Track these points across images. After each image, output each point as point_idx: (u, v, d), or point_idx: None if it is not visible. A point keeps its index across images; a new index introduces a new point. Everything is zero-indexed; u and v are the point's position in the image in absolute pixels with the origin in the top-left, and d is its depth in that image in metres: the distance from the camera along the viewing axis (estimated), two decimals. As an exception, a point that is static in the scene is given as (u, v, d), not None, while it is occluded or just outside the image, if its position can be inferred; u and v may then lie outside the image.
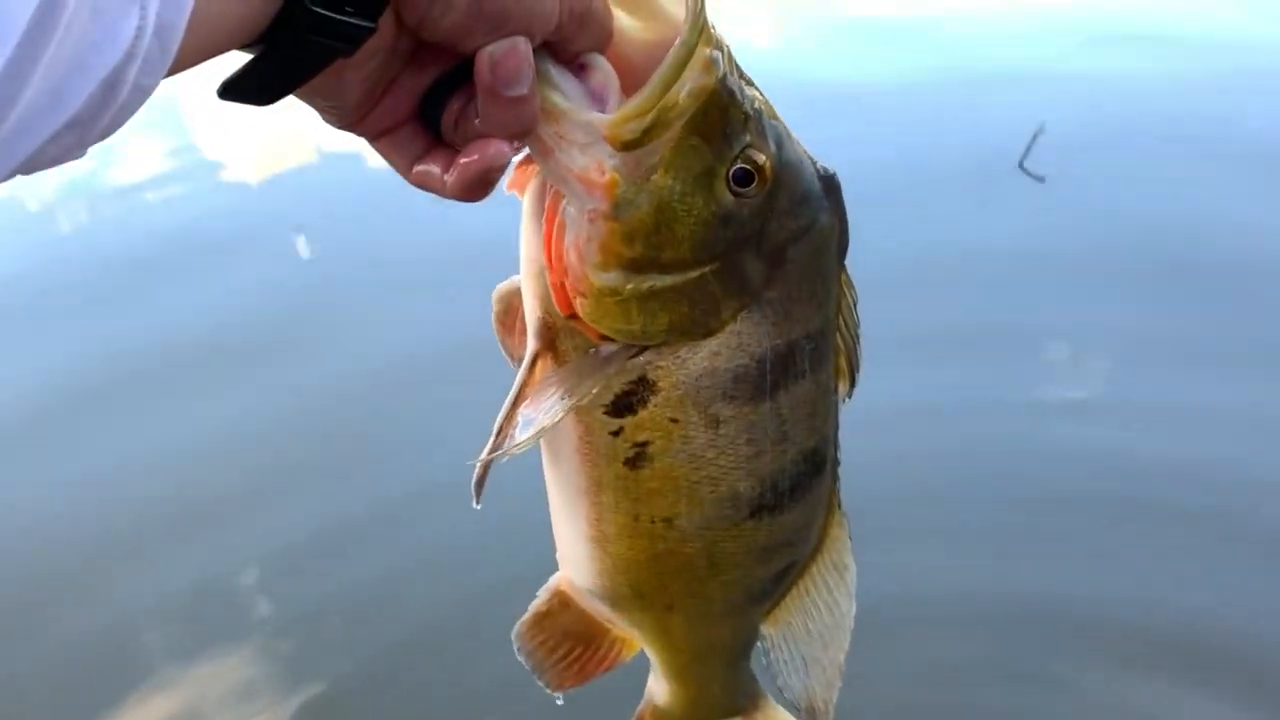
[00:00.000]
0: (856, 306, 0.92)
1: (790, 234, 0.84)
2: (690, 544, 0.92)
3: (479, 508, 0.89)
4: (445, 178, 0.77)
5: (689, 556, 0.93)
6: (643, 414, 0.86)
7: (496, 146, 0.75)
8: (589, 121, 0.78)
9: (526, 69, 0.73)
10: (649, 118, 0.77)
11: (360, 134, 0.78)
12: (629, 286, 0.81)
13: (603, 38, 0.79)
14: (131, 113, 0.60)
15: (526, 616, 1.03)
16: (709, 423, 0.86)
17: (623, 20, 0.80)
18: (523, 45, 0.73)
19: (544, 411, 0.83)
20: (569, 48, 0.78)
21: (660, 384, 0.85)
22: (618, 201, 0.79)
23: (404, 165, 0.79)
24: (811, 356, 0.88)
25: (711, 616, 1.00)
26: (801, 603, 1.02)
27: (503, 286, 0.93)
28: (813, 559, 1.01)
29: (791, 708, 1.06)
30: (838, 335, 0.92)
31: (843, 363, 0.92)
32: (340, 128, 0.77)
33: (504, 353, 0.94)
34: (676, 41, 0.78)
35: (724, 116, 0.80)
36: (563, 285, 0.83)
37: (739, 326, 0.84)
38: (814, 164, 0.87)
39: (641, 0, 0.81)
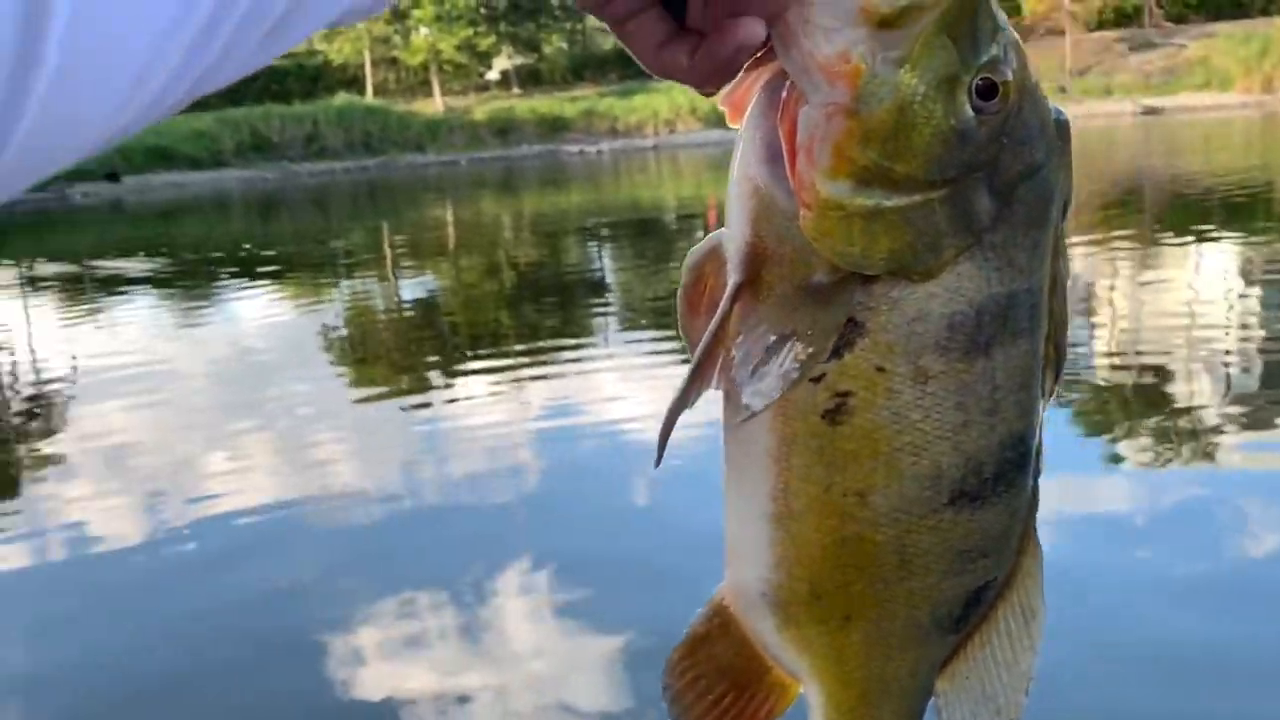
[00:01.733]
0: (1064, 281, 0.85)
1: (1022, 170, 0.80)
2: (882, 530, 0.84)
3: (659, 468, 0.85)
4: (691, 62, 0.77)
5: (879, 547, 0.84)
6: (848, 359, 0.80)
7: (750, 24, 0.74)
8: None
9: None
10: None
11: (603, 17, 0.78)
12: (856, 200, 0.77)
13: None
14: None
15: (682, 642, 0.91)
16: (917, 376, 0.80)
17: None
18: None
19: (773, 362, 0.79)
20: None
21: (869, 325, 0.79)
22: (861, 93, 0.76)
23: (648, 52, 0.78)
24: (1030, 316, 0.82)
25: (892, 639, 0.89)
26: (981, 656, 0.91)
27: (696, 252, 0.86)
28: (1001, 598, 0.90)
29: None
30: (1051, 310, 0.85)
31: (1049, 348, 0.85)
32: (586, 9, 0.78)
33: (683, 336, 0.86)
34: None
35: (975, 21, 0.77)
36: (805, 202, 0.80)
37: (959, 268, 0.79)
38: (1051, 101, 0.83)
39: None
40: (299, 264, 16.92)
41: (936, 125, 0.77)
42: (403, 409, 7.67)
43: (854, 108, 0.76)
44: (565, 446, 6.41)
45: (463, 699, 3.63)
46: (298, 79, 52.78)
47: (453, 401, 7.72)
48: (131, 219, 29.31)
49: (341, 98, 49.78)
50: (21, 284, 16.53)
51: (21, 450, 7.27)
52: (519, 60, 59.84)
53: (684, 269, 0.86)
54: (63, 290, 15.30)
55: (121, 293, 14.64)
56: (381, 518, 5.52)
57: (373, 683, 3.79)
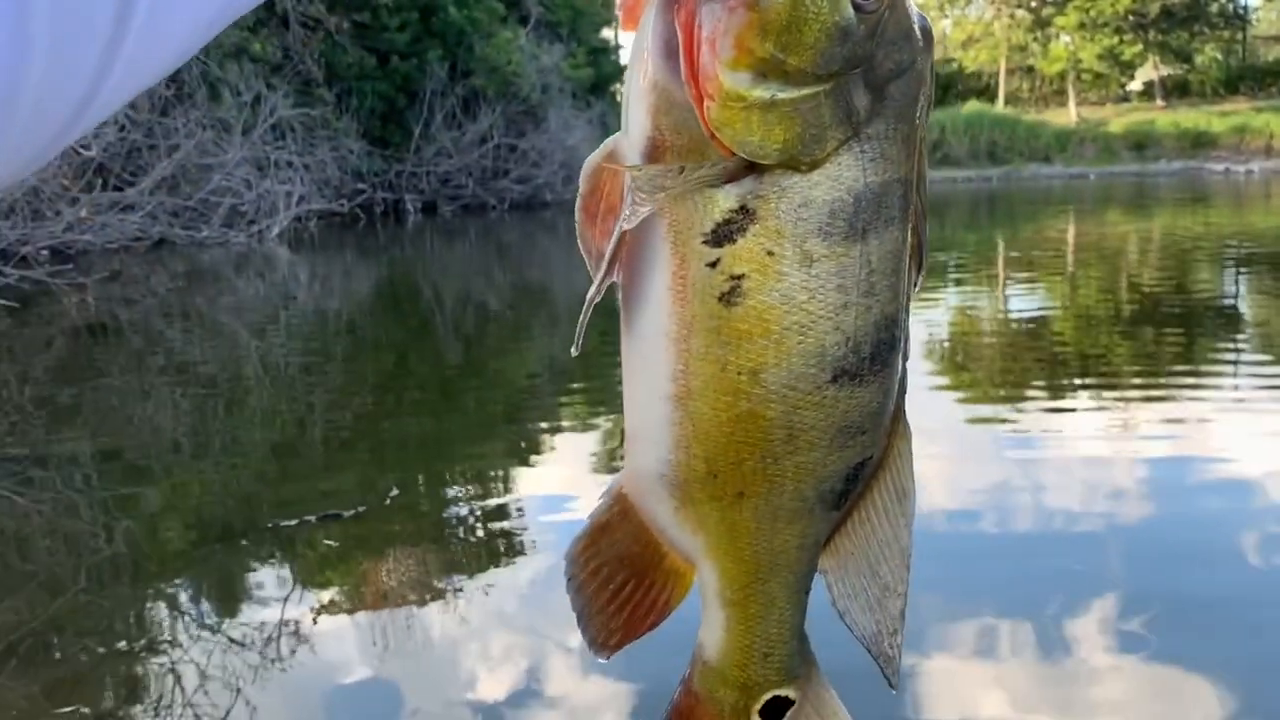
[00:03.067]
0: (925, 177, 0.92)
1: (894, 68, 0.87)
2: (772, 406, 0.90)
3: (576, 353, 0.92)
4: None
5: (769, 423, 0.90)
6: (741, 243, 0.86)
7: None
8: None
9: None
10: None
11: None
12: (755, 92, 0.84)
13: None
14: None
15: (584, 530, 0.97)
16: (803, 259, 0.87)
17: None
18: None
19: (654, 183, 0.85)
20: None
21: (760, 212, 0.86)
22: None
23: None
24: (900, 205, 0.89)
25: (781, 513, 0.95)
26: (862, 533, 0.98)
27: (591, 160, 0.91)
28: (875, 478, 0.97)
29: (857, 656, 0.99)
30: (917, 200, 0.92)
31: (914, 238, 0.92)
32: None
33: (581, 247, 0.91)
34: None
35: None
36: (699, 97, 0.85)
37: (840, 159, 0.86)
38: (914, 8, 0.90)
39: None
40: (911, 270, 17.05)
41: (825, 21, 0.84)
42: (999, 428, 7.51)
43: (755, 1, 0.83)
44: (1170, 483, 5.96)
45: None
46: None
47: (1052, 428, 7.43)
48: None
49: (971, 105, 49.59)
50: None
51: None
52: (1165, 71, 56.07)
53: (581, 177, 0.91)
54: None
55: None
56: (966, 540, 5.45)
57: (943, 705, 3.75)
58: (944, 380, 9.34)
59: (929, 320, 12.11)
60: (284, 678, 4.28)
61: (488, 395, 8.09)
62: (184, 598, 5.32)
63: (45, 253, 14.81)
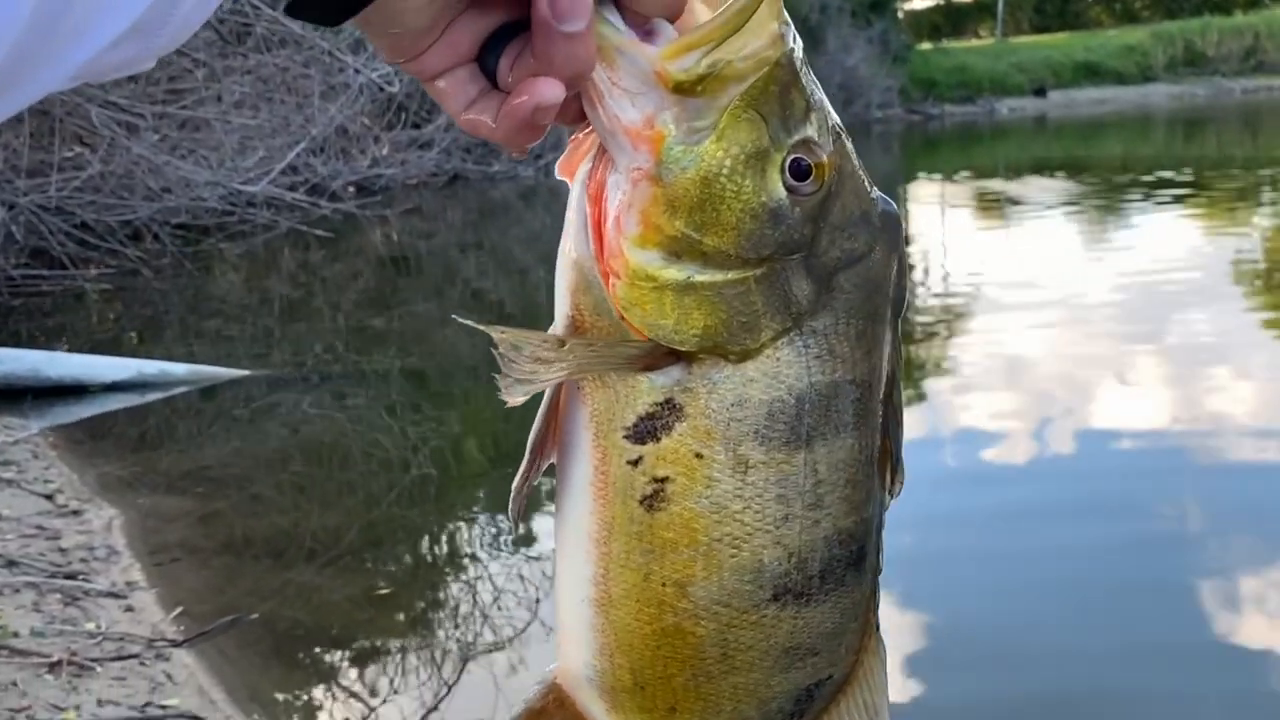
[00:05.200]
0: (899, 381, 0.82)
1: (843, 256, 0.78)
2: (703, 623, 0.80)
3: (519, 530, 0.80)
4: (494, 122, 0.76)
5: (700, 640, 0.80)
6: (665, 442, 0.77)
7: (548, 84, 0.72)
8: (641, 57, 0.74)
9: (584, 2, 0.70)
10: (703, 61, 0.73)
11: (415, 72, 0.76)
12: (666, 272, 0.75)
13: (673, 3, 0.75)
14: (195, 25, 0.66)
15: (517, 715, 0.89)
16: (736, 465, 0.77)
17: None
18: None
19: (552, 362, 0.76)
20: (636, 7, 0.75)
21: (687, 409, 0.77)
22: (664, 159, 0.75)
23: (456, 109, 0.77)
24: (855, 410, 0.79)
25: None
26: None
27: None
28: (843, 694, 0.86)
29: None
30: (885, 406, 0.81)
31: (888, 443, 0.82)
32: (395, 62, 0.76)
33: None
34: None
35: (786, 97, 0.75)
36: (605, 269, 0.77)
37: (778, 353, 0.77)
38: (875, 189, 0.79)
39: None
40: (1217, 186, 15.96)
41: (747, 201, 0.75)
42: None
43: (658, 174, 0.75)
44: None
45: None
46: (1243, -12, 49.06)
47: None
48: (1053, 134, 29.73)
49: (1292, 6, 45.33)
50: (941, 197, 17.68)
51: (924, 353, 7.88)
52: None
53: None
54: (979, 203, 16.08)
55: (1033, 209, 15.00)
56: (1273, 463, 5.13)
57: (1247, 635, 3.58)
58: (1254, 300, 8.73)
59: (1238, 243, 11.29)
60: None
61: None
62: (484, 516, 5.66)
63: (352, 189, 15.81)
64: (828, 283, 0.77)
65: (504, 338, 0.76)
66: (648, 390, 0.78)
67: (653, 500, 0.78)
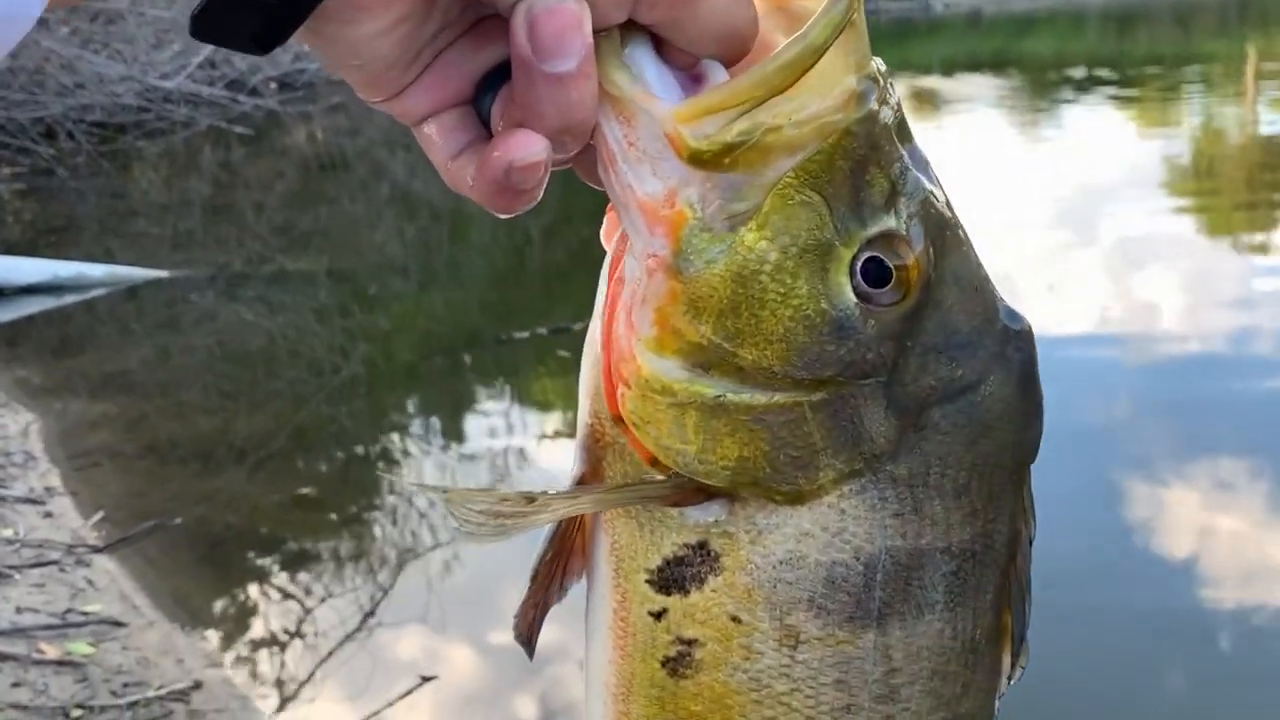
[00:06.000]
0: (1031, 544, 0.65)
1: (941, 385, 0.60)
2: None
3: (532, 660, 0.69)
4: (471, 179, 0.61)
5: None
6: (696, 597, 0.62)
7: (525, 139, 0.57)
8: (654, 114, 0.57)
9: (574, 36, 0.55)
10: (734, 127, 0.56)
11: (396, 114, 0.63)
12: (689, 386, 0.59)
13: (728, 39, 0.58)
14: (6, 47, 0.54)
15: None
16: (784, 637, 0.62)
17: (773, 34, 0.59)
18: (572, 5, 0.55)
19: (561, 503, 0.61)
20: (679, 41, 0.58)
21: (725, 559, 0.61)
22: (683, 248, 0.58)
23: (441, 159, 0.62)
24: (950, 586, 0.62)
25: None
26: None
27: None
28: None
29: None
30: (1005, 578, 0.64)
31: (1007, 620, 0.65)
32: (372, 101, 0.62)
33: None
34: (797, 35, 0.55)
35: (860, 175, 0.58)
36: (611, 370, 0.61)
37: (844, 503, 0.60)
38: (998, 298, 0.62)
39: (804, 10, 0.57)
40: (1148, 84, 16.05)
41: (799, 309, 0.57)
42: (1240, 251, 7.07)
43: (676, 265, 0.58)
44: None
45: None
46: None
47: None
48: (987, 30, 29.69)
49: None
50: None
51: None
52: None
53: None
54: (915, 102, 16.04)
55: (964, 107, 14.98)
56: (1191, 363, 5.21)
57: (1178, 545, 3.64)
58: (1183, 199, 8.81)
59: (1168, 142, 11.37)
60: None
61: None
62: (417, 418, 5.59)
63: (274, 85, 15.38)
64: (917, 418, 0.60)
65: (451, 497, 0.60)
66: (677, 527, 0.62)
67: (678, 664, 0.64)
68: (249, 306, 7.21)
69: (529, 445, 4.94)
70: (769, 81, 0.55)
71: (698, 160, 0.56)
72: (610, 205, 0.62)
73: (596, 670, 0.68)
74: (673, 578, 0.62)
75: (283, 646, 3.54)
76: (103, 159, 11.85)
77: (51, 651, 3.15)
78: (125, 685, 3.04)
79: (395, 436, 5.35)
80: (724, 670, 0.63)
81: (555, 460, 4.73)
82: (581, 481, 0.65)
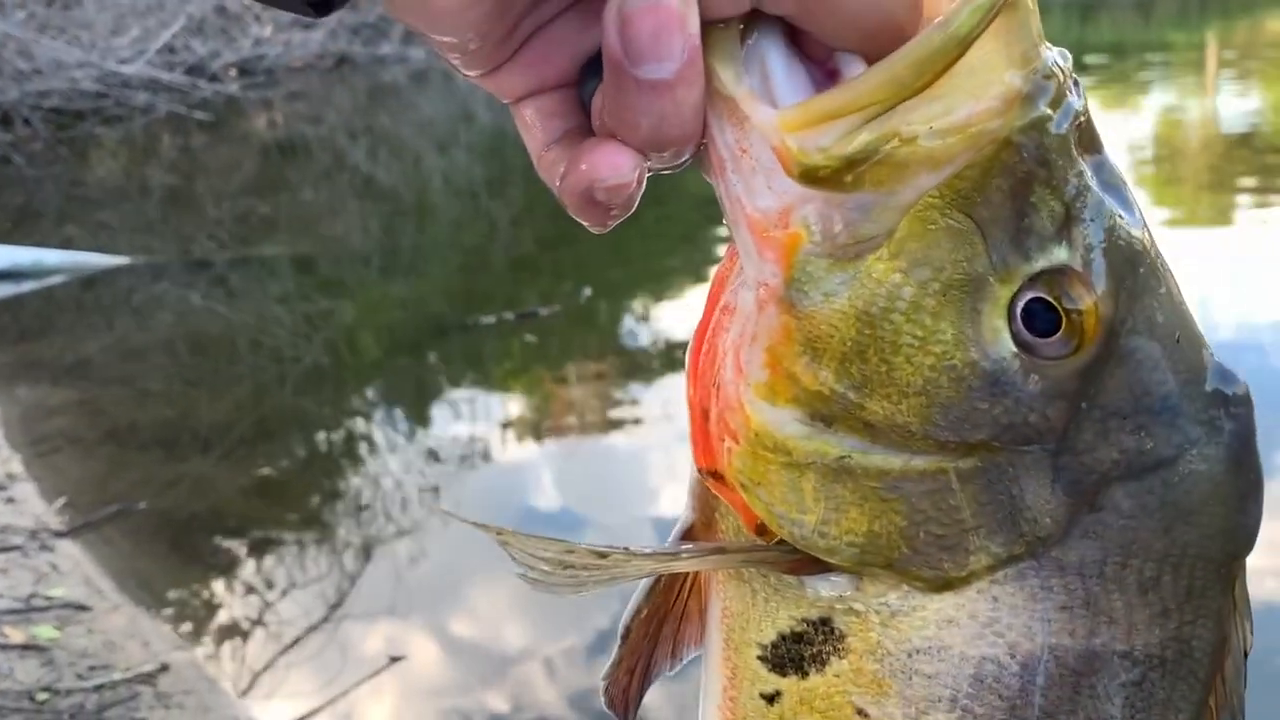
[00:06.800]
0: (1247, 655, 0.54)
1: (1126, 459, 0.50)
2: None
3: None
4: (560, 178, 0.53)
5: None
6: (816, 680, 0.53)
7: (612, 153, 0.50)
8: (754, 118, 0.48)
9: (673, 37, 0.47)
10: (857, 138, 0.47)
11: (494, 91, 0.56)
12: (808, 444, 0.50)
13: (877, 31, 0.49)
14: None
15: None
16: None
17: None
18: (674, 1, 0.47)
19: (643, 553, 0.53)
20: (819, 34, 0.50)
21: (851, 640, 0.53)
22: (796, 276, 0.49)
23: (535, 146, 0.55)
24: (1131, 698, 0.52)
25: None
26: None
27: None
28: None
29: None
30: (1206, 692, 0.54)
31: None
32: (469, 76, 0.56)
33: None
34: (938, 21, 0.46)
35: (1024, 194, 0.48)
36: (705, 416, 0.52)
37: (997, 589, 0.51)
38: (1207, 352, 0.52)
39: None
40: (1111, 70, 16.19)
41: (942, 357, 0.48)
42: (1189, 233, 7.19)
43: (788, 298, 0.48)
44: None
45: None
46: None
47: (1260, 232, 7.05)
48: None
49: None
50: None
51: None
52: None
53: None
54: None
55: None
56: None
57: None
58: (1142, 189, 8.91)
59: (1128, 129, 11.49)
60: (476, 487, 4.47)
61: (668, 212, 8.10)
62: (381, 407, 5.58)
63: (233, 71, 15.25)
64: (1093, 497, 0.51)
65: (509, 541, 0.52)
66: (795, 599, 0.54)
67: None
68: (210, 294, 7.17)
69: (494, 432, 4.94)
70: (899, 80, 0.46)
71: (810, 178, 0.47)
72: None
73: None
74: (789, 656, 0.54)
75: (249, 629, 3.54)
76: (61, 145, 11.72)
77: (16, 635, 3.13)
78: (91, 668, 3.03)
79: (359, 422, 5.34)
80: None
81: (521, 449, 4.74)
82: (690, 531, 0.57)
